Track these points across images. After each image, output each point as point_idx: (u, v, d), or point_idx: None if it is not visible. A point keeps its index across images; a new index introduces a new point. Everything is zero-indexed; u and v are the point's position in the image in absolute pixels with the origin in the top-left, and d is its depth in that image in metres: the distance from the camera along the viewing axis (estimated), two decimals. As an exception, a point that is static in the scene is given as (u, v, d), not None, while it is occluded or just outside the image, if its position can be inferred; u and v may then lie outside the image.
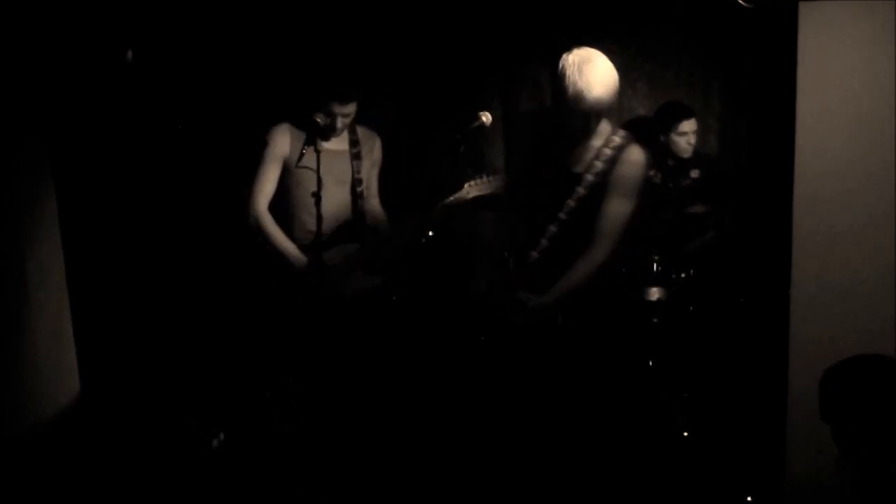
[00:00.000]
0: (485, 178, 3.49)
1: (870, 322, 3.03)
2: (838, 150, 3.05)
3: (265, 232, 3.61)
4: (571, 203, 3.16)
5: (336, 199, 3.65)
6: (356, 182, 3.70)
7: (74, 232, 3.57)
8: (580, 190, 3.15)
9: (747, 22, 3.75)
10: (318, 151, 3.39)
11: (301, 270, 3.55)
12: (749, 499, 3.47)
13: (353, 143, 3.71)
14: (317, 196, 3.37)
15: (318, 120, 3.46)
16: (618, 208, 3.16)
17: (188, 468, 3.38)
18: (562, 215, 3.17)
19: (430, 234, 3.70)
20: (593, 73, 3.07)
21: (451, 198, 3.47)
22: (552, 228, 3.19)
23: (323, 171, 3.49)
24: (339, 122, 3.58)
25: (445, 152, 3.33)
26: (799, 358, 3.15)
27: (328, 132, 3.59)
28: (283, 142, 3.62)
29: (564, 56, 3.12)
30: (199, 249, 4.10)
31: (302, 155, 3.48)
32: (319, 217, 3.39)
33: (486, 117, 3.38)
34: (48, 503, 3.34)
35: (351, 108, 3.57)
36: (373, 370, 3.77)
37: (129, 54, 3.81)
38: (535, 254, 3.22)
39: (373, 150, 3.77)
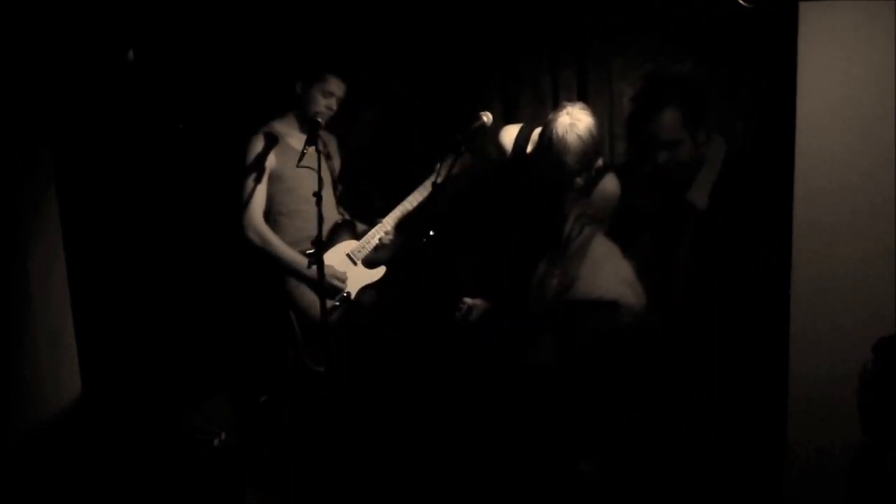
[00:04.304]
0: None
1: (870, 322, 3.03)
2: (838, 149, 3.06)
3: (270, 245, 3.56)
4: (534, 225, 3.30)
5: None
6: (335, 182, 3.75)
7: (76, 231, 3.58)
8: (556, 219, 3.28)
9: (747, 22, 3.75)
10: (318, 151, 3.38)
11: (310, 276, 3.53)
12: (748, 499, 3.48)
13: (322, 143, 3.69)
14: (318, 196, 3.33)
15: (319, 120, 3.46)
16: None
17: (188, 468, 3.38)
18: (524, 227, 3.32)
19: (431, 233, 3.69)
20: (572, 137, 3.12)
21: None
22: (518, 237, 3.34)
23: (303, 172, 3.50)
24: (335, 104, 3.57)
25: (446, 152, 3.33)
26: (799, 358, 3.15)
27: (314, 125, 3.55)
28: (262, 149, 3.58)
29: (554, 113, 3.18)
30: (200, 249, 4.09)
31: (303, 155, 3.45)
32: (321, 218, 3.33)
33: (487, 117, 3.38)
34: (48, 503, 3.35)
35: (343, 90, 3.57)
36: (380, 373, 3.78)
37: (130, 54, 3.81)
38: (501, 259, 3.39)
39: (337, 150, 3.82)
